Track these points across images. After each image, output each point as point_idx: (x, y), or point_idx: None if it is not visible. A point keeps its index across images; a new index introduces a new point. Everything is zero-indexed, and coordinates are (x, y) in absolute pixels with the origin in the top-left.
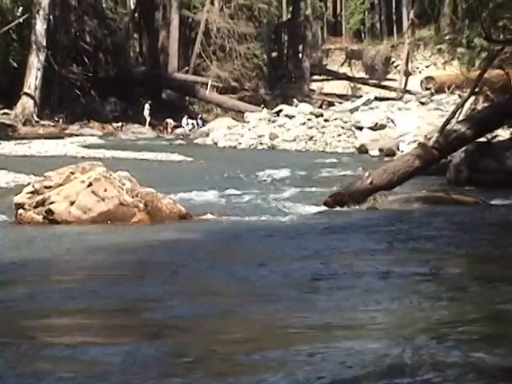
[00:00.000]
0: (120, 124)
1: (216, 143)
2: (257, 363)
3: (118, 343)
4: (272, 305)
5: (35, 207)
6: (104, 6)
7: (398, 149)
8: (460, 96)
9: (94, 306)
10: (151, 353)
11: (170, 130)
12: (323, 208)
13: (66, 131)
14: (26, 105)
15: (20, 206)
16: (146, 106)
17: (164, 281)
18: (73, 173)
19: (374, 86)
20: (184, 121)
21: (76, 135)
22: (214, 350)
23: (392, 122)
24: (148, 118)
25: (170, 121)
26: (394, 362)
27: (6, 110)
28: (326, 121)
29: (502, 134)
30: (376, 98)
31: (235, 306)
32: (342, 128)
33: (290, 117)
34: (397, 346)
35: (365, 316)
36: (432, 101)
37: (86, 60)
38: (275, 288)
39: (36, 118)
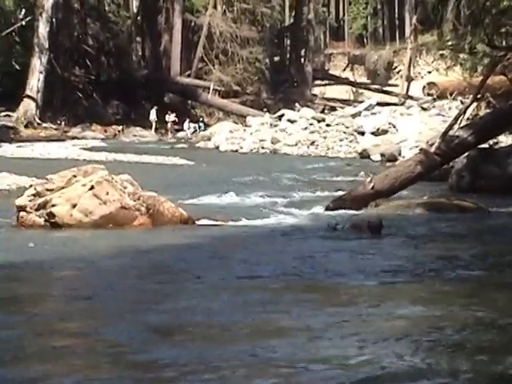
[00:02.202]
0: (122, 127)
1: (218, 147)
2: None
3: None
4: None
5: (37, 210)
6: (107, 9)
7: (400, 154)
8: (462, 102)
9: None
10: None
11: (170, 125)
12: (325, 213)
13: (68, 134)
14: (28, 107)
15: (22, 208)
16: (153, 111)
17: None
18: (75, 176)
19: (376, 91)
20: (186, 124)
21: (78, 138)
22: None
23: (394, 127)
24: (154, 123)
25: (171, 116)
26: None
27: (8, 113)
28: (327, 125)
29: (504, 139)
30: (378, 103)
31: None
32: (344, 133)
33: (292, 121)
34: None
35: None
36: (434, 106)
37: (89, 63)
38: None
39: (38, 121)
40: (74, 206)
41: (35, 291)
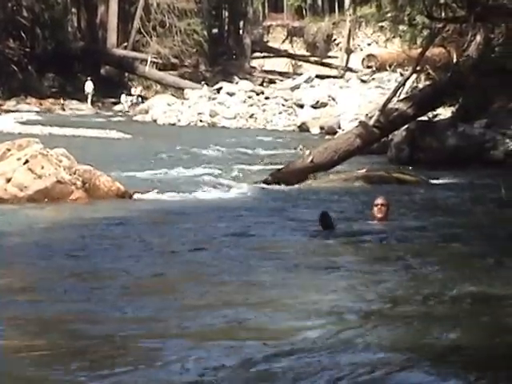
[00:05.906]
0: (58, 100)
1: (155, 120)
2: None
3: None
4: None
5: None
6: None
7: (339, 127)
8: (401, 74)
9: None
10: None
11: (129, 100)
12: (263, 186)
13: (3, 107)
14: None
15: None
16: (88, 83)
17: None
18: (9, 149)
19: (316, 63)
20: (123, 97)
21: (12, 111)
22: None
23: (333, 99)
24: (90, 96)
25: (137, 90)
26: None
27: None
28: (266, 98)
29: (443, 112)
30: (317, 76)
31: None
32: (283, 106)
33: (231, 94)
34: None
35: None
36: (373, 79)
37: (23, 35)
38: None
39: None
40: (9, 180)
41: None
